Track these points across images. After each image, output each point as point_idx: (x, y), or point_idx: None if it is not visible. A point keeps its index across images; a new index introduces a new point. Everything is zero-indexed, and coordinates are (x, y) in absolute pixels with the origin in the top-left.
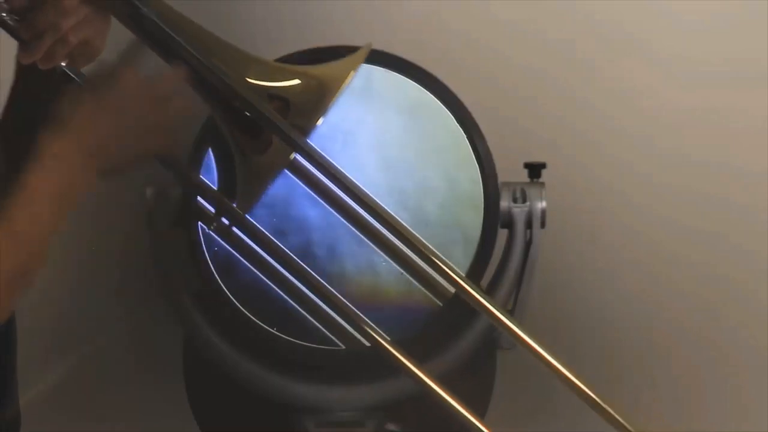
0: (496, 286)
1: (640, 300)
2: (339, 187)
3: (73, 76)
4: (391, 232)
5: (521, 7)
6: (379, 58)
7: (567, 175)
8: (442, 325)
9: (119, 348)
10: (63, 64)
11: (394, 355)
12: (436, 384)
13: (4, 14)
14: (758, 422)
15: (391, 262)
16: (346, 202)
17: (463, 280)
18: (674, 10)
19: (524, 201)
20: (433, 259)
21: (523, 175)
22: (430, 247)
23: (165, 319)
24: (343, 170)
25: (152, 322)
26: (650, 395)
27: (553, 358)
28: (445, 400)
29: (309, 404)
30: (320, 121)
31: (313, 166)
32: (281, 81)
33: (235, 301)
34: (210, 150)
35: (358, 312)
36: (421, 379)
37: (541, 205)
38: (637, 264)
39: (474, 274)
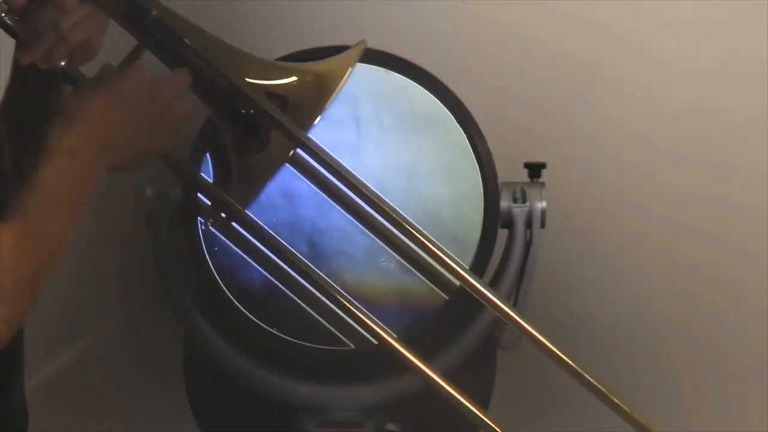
0: (496, 286)
1: (640, 300)
2: (340, 181)
3: (71, 75)
4: (393, 226)
5: (521, 7)
6: (379, 58)
7: (567, 175)
8: (443, 322)
9: (119, 348)
10: (62, 63)
11: (402, 353)
12: (444, 381)
13: (3, 14)
14: (758, 422)
15: (395, 254)
16: (349, 197)
17: (467, 273)
18: (674, 10)
19: (524, 201)
20: (436, 250)
21: (523, 175)
22: (432, 239)
23: (165, 319)
24: (344, 164)
25: (152, 322)
26: (650, 395)
27: (557, 348)
28: (454, 397)
29: (309, 404)
30: (318, 119)
31: (316, 161)
32: (279, 79)
33: (235, 301)
34: (209, 150)
35: (364, 309)
36: (430, 376)
37: (541, 205)
38: (637, 264)
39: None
